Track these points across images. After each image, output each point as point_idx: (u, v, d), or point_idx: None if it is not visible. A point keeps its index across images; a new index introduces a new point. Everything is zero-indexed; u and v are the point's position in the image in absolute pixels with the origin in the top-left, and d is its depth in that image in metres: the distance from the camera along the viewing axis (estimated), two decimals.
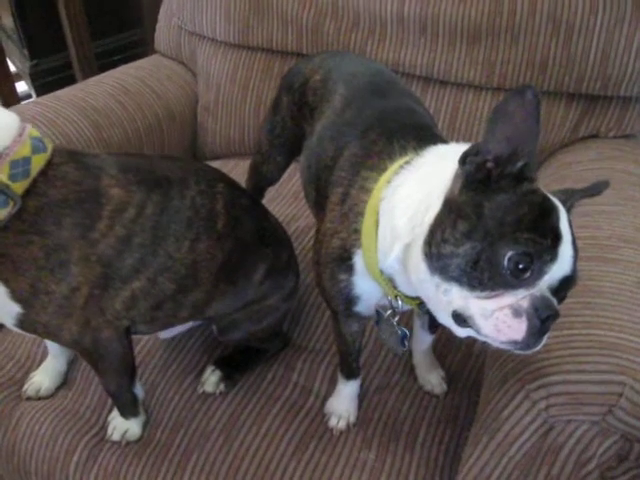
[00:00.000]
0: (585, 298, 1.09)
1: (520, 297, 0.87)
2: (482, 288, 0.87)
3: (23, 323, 1.12)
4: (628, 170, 1.55)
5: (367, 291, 1.12)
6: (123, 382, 1.29)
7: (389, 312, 1.15)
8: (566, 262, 0.88)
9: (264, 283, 1.37)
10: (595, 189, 1.04)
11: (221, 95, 2.07)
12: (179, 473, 1.28)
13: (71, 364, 1.50)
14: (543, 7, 1.61)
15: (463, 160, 0.90)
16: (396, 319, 1.15)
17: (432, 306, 0.97)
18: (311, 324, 1.54)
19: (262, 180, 1.65)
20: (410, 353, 1.43)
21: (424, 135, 1.11)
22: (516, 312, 0.86)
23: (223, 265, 1.26)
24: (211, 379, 1.41)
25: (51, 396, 1.44)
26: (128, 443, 1.34)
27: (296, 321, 1.56)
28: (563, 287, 0.89)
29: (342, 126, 1.22)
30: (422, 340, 1.38)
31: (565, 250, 0.87)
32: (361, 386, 1.38)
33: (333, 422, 1.33)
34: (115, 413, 1.36)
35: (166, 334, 1.46)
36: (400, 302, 1.09)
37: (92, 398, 1.43)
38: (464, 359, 1.46)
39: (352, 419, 1.34)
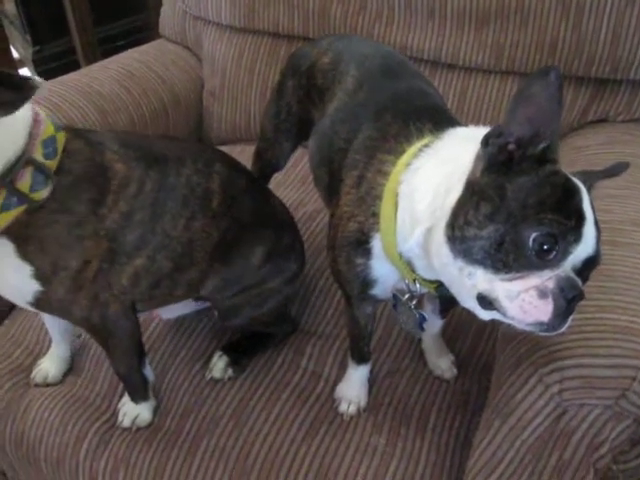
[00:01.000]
0: (598, 282, 1.08)
1: (545, 278, 0.86)
2: (507, 270, 0.87)
3: (40, 301, 1.13)
4: (638, 154, 1.53)
5: (384, 274, 1.12)
6: (133, 362, 1.30)
7: (407, 296, 1.14)
8: (590, 242, 0.88)
9: (264, 266, 1.36)
10: (614, 170, 1.05)
11: (227, 80, 2.06)
12: (189, 459, 1.28)
13: (80, 351, 1.50)
14: None
15: (485, 142, 0.90)
16: (414, 302, 1.15)
17: (455, 289, 0.97)
18: (320, 309, 1.54)
19: (267, 166, 1.63)
20: (420, 338, 1.43)
21: (440, 118, 1.11)
22: (542, 293, 0.86)
23: (218, 244, 1.27)
24: (218, 365, 1.41)
25: (60, 383, 1.44)
26: (138, 429, 1.34)
27: (305, 306, 1.55)
28: (587, 267, 0.89)
29: (355, 107, 1.21)
30: (432, 325, 1.37)
31: (588, 230, 0.87)
32: (371, 371, 1.38)
33: (343, 407, 1.33)
34: (125, 399, 1.36)
35: (168, 314, 1.47)
36: (418, 285, 1.09)
37: (102, 385, 1.43)
38: (474, 344, 1.46)
39: (362, 404, 1.34)
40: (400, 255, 1.04)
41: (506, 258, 0.86)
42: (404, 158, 1.04)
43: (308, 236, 1.67)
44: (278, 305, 1.44)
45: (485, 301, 0.90)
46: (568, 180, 0.89)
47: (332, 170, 1.23)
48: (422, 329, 1.19)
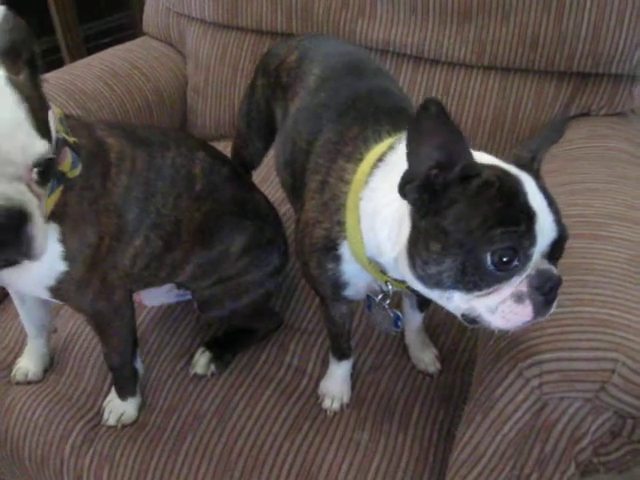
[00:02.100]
0: (577, 276, 1.09)
1: (517, 284, 0.88)
2: (479, 288, 0.89)
3: (61, 284, 1.13)
4: (620, 148, 1.54)
5: (356, 277, 1.13)
6: (127, 352, 1.31)
7: (380, 296, 1.16)
8: (549, 230, 0.88)
9: (242, 257, 1.37)
10: (556, 132, 1.06)
11: (210, 76, 2.06)
12: (173, 456, 1.28)
13: (63, 349, 1.49)
14: None
15: (403, 193, 0.91)
16: (387, 302, 1.16)
17: (441, 304, 0.98)
18: (304, 305, 1.54)
19: (244, 163, 1.64)
20: (402, 333, 1.43)
21: (398, 119, 1.11)
22: (518, 298, 0.88)
23: (200, 227, 1.28)
24: (201, 361, 1.41)
25: (42, 380, 1.44)
26: (124, 426, 1.34)
27: (288, 302, 1.56)
28: (556, 247, 0.90)
29: (317, 108, 1.22)
30: (413, 319, 1.39)
31: (543, 220, 0.88)
32: (354, 366, 1.38)
33: (327, 403, 1.33)
34: (111, 396, 1.36)
35: (150, 302, 1.48)
36: (390, 286, 1.10)
37: (87, 383, 1.43)
38: (457, 338, 1.46)
39: (346, 400, 1.34)
40: (369, 260, 1.05)
41: (474, 279, 0.88)
42: (363, 166, 1.05)
43: (292, 232, 1.67)
44: (259, 299, 1.44)
45: (469, 318, 0.93)
46: (502, 185, 0.88)
47: (295, 172, 1.24)
48: (398, 327, 1.20)
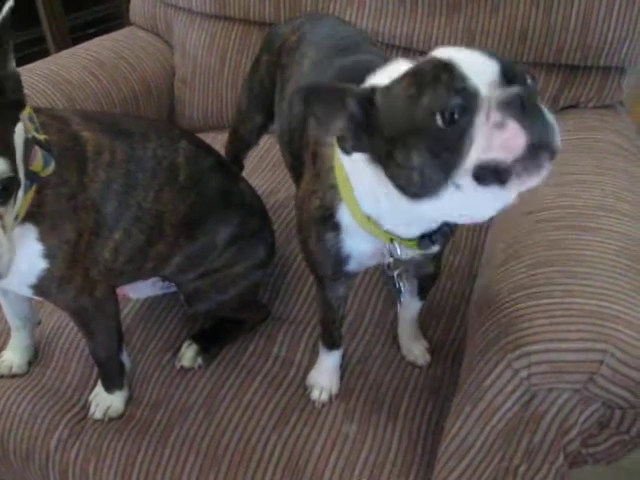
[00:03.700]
0: (566, 267, 1.09)
1: (486, 118, 0.81)
2: (461, 148, 0.82)
3: (42, 281, 1.12)
4: (608, 140, 1.54)
5: (357, 248, 1.11)
6: (113, 346, 1.30)
7: (389, 261, 1.11)
8: (480, 63, 0.84)
9: (228, 249, 1.36)
10: None
11: (198, 67, 2.04)
12: (160, 449, 1.27)
13: (49, 342, 1.48)
14: None
15: (346, 151, 0.93)
16: (396, 272, 1.14)
17: (458, 211, 0.93)
18: (291, 296, 1.53)
19: (241, 141, 1.65)
20: (392, 324, 1.43)
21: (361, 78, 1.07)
22: (499, 125, 0.80)
23: (184, 219, 1.27)
24: (187, 354, 1.40)
25: (27, 374, 1.42)
26: (110, 420, 1.33)
27: (276, 293, 1.55)
28: (508, 72, 0.84)
29: None
30: (410, 307, 1.38)
31: (467, 60, 0.83)
32: (343, 358, 1.37)
33: (315, 394, 1.33)
34: (98, 389, 1.35)
35: (136, 294, 1.47)
36: (398, 248, 1.07)
37: (73, 376, 1.42)
38: (446, 330, 1.46)
39: (334, 391, 1.33)
40: (369, 218, 1.03)
41: (449, 148, 0.83)
42: None
43: (280, 224, 1.67)
44: (245, 291, 1.43)
45: (483, 177, 0.83)
46: (408, 71, 0.88)
47: (293, 151, 1.24)
48: (400, 301, 1.19)
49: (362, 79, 1.04)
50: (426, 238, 1.06)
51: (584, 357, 0.95)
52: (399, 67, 0.94)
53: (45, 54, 2.96)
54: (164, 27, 2.14)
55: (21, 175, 0.96)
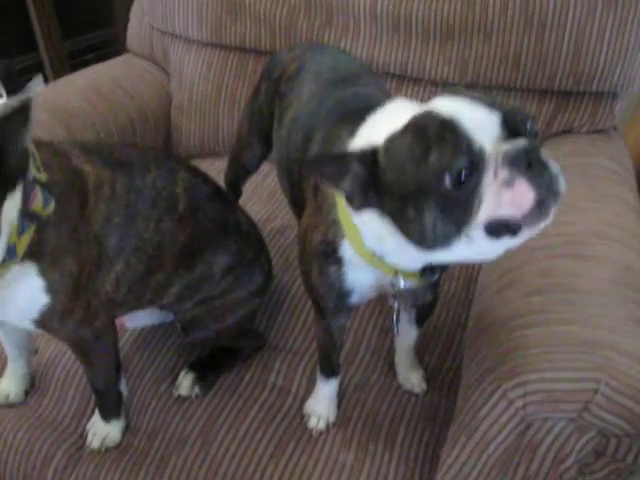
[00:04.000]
0: (560, 295, 1.10)
1: (494, 175, 0.82)
2: (471, 206, 0.84)
3: (45, 315, 1.12)
4: (602, 165, 1.56)
5: (359, 282, 1.11)
6: (111, 376, 1.30)
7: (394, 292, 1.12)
8: (483, 118, 0.84)
9: (225, 277, 1.37)
10: None
11: (194, 94, 2.06)
12: (157, 479, 1.27)
13: (45, 371, 1.48)
14: (515, 4, 1.61)
15: (357, 208, 0.94)
16: (396, 304, 1.16)
17: (468, 257, 0.95)
18: (288, 324, 1.53)
19: (241, 168, 1.65)
20: (389, 352, 1.43)
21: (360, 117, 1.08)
22: (507, 183, 0.82)
23: (183, 249, 1.27)
24: (184, 382, 1.40)
25: (23, 402, 1.42)
26: (108, 449, 1.32)
27: (273, 321, 1.55)
28: (513, 124, 0.85)
29: (306, 119, 1.23)
30: (408, 335, 1.37)
31: (469, 115, 0.84)
32: (340, 385, 1.37)
33: (313, 422, 1.33)
34: (95, 419, 1.35)
35: (133, 323, 1.47)
36: (402, 280, 1.07)
37: (70, 406, 1.41)
38: (442, 357, 1.46)
39: (332, 419, 1.33)
40: (373, 253, 1.03)
41: (459, 204, 0.84)
42: None
43: (276, 251, 1.67)
44: (242, 319, 1.44)
45: (494, 231, 0.85)
46: (406, 128, 0.88)
47: (292, 182, 1.25)
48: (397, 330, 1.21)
49: (360, 112, 1.06)
50: (428, 270, 1.06)
51: (579, 386, 0.95)
52: (398, 110, 0.96)
53: (43, 80, 3.00)
54: (161, 55, 2.15)
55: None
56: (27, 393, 1.44)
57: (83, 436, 1.35)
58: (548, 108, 1.73)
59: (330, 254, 1.09)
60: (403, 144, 0.88)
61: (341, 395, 1.38)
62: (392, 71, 1.81)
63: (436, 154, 0.83)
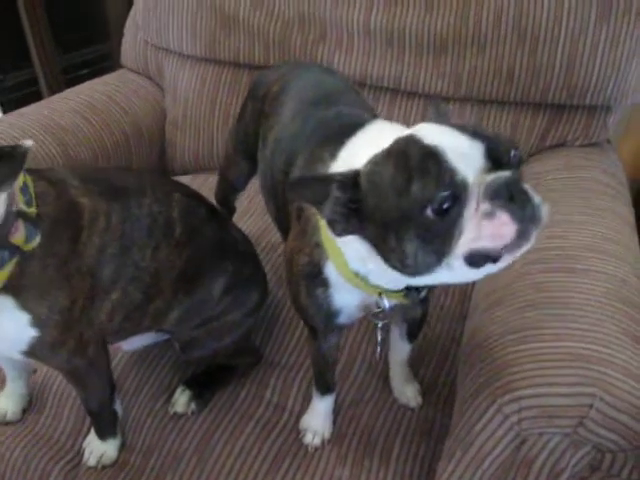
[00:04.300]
0: (554, 310, 1.10)
1: (475, 206, 0.82)
2: (450, 237, 0.84)
3: (34, 347, 1.11)
4: (596, 178, 1.56)
5: (346, 301, 1.12)
6: (105, 397, 1.29)
7: (376, 312, 1.12)
8: (467, 148, 0.84)
9: (224, 299, 1.36)
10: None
11: (189, 110, 2.06)
12: None
13: (42, 389, 1.47)
14: (508, 17, 1.62)
15: (338, 233, 0.93)
16: (380, 324, 1.16)
17: (449, 281, 0.98)
18: (283, 339, 1.53)
19: (229, 187, 1.66)
20: (385, 365, 1.43)
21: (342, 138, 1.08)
22: (488, 215, 0.81)
23: (181, 274, 1.27)
24: (181, 399, 1.40)
25: (20, 420, 1.42)
26: (104, 467, 1.32)
27: (268, 337, 1.55)
28: (498, 154, 0.84)
29: (289, 140, 1.23)
30: (400, 349, 1.38)
31: (453, 145, 0.83)
32: (335, 401, 1.37)
33: (308, 438, 1.32)
34: (91, 437, 1.34)
35: (129, 346, 1.46)
36: (386, 301, 1.07)
37: (66, 423, 1.41)
38: (437, 371, 1.46)
39: (327, 435, 1.33)
40: (356, 274, 1.03)
41: (440, 234, 0.83)
42: None
43: (271, 266, 1.67)
44: (240, 337, 1.43)
45: (477, 262, 0.85)
46: (389, 153, 0.88)
47: (277, 203, 1.25)
48: (380, 354, 1.23)
49: (343, 133, 1.06)
50: (412, 289, 1.06)
51: (574, 401, 0.95)
52: (380, 131, 0.97)
53: (38, 95, 3.00)
54: (155, 70, 2.16)
55: None
56: (24, 411, 1.43)
57: (80, 454, 1.35)
58: (542, 121, 1.73)
59: (316, 276, 1.09)
60: (385, 171, 0.87)
61: (336, 411, 1.38)
62: (386, 85, 1.81)
63: (418, 185, 0.82)
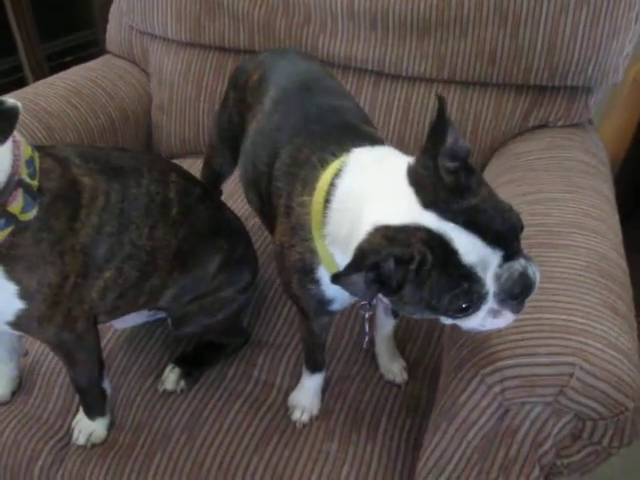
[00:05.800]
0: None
1: (487, 307, 0.92)
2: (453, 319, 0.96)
3: (20, 319, 1.12)
4: (577, 158, 1.58)
5: (338, 294, 1.13)
6: (94, 375, 1.30)
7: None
8: (489, 255, 0.88)
9: (218, 276, 1.38)
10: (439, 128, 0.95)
11: (174, 94, 2.06)
12: (143, 474, 1.28)
13: (31, 369, 1.48)
14: None
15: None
16: (367, 315, 1.20)
17: None
18: (271, 319, 1.55)
19: (214, 174, 1.66)
20: (371, 343, 1.45)
21: (345, 137, 1.12)
22: (495, 313, 0.93)
23: (177, 252, 1.28)
24: (170, 377, 1.41)
25: (9, 402, 1.43)
26: (93, 446, 1.33)
27: (256, 316, 1.56)
28: (508, 248, 0.90)
29: (272, 131, 1.24)
30: (384, 325, 1.40)
31: (480, 258, 0.87)
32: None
33: (296, 415, 1.34)
34: (80, 416, 1.36)
35: (121, 324, 1.47)
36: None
37: (55, 403, 1.42)
38: (423, 348, 1.48)
39: (315, 412, 1.35)
40: None
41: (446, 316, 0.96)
42: (317, 197, 1.05)
43: (259, 245, 1.69)
44: (231, 314, 1.45)
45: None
46: (434, 257, 0.87)
47: (261, 194, 1.26)
48: (364, 344, 1.30)
49: (328, 136, 1.13)
50: None
51: (555, 370, 0.98)
52: (386, 164, 1.00)
53: (22, 82, 2.99)
54: (140, 55, 2.16)
55: None
56: (14, 393, 1.44)
57: (69, 433, 1.36)
58: (524, 103, 1.75)
59: (308, 273, 1.11)
60: (425, 271, 0.87)
61: (324, 388, 1.39)
62: (370, 68, 1.82)
63: (448, 297, 0.88)
